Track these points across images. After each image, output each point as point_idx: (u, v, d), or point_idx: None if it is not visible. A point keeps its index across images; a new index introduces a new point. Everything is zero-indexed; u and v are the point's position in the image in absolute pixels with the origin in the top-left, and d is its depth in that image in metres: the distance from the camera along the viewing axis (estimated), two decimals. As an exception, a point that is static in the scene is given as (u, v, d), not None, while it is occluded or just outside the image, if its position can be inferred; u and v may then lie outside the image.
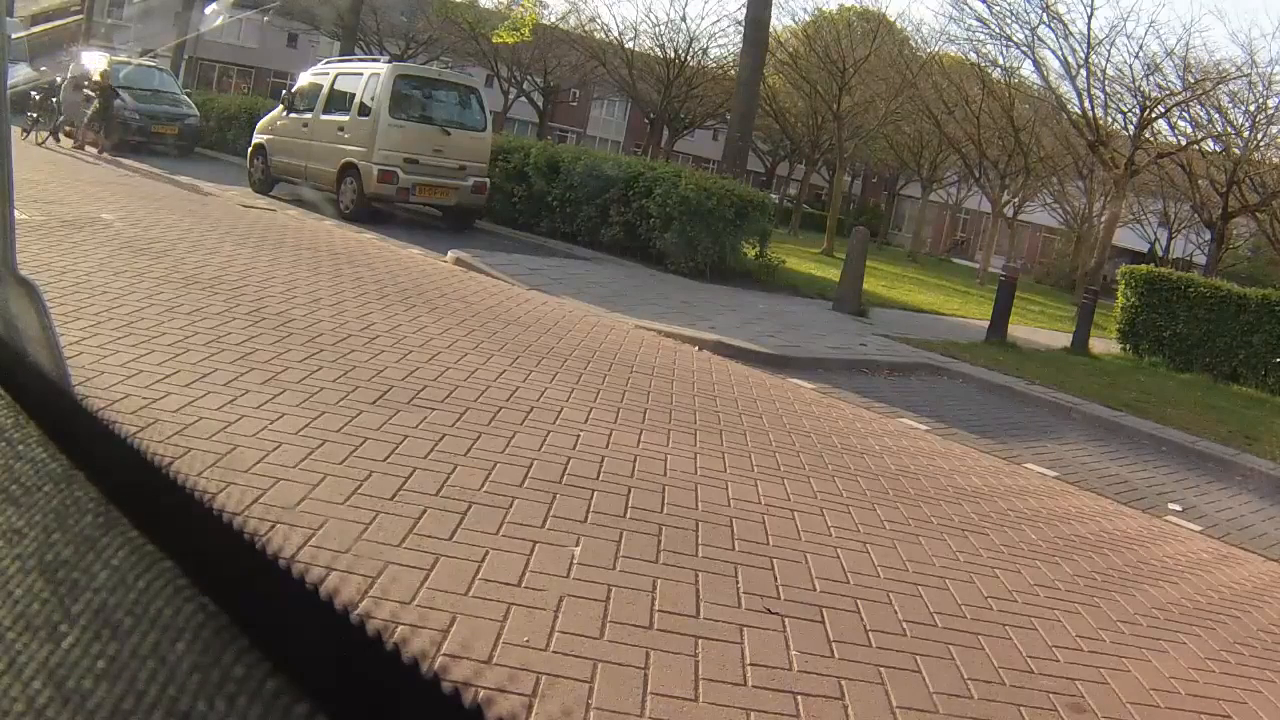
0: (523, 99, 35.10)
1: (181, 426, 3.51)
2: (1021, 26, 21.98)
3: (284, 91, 13.70)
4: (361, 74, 12.14)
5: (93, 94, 14.59)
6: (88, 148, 14.61)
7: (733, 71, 25.44)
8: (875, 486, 4.64)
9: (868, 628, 3.02)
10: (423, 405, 4.41)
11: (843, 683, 2.64)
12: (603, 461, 4.13)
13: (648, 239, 11.63)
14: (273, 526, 2.83)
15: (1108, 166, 20.83)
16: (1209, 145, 21.33)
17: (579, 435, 4.44)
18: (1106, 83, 21.05)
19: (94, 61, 16.52)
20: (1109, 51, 29.34)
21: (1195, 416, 8.29)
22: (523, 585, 2.81)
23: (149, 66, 17.60)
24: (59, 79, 14.25)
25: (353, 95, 11.98)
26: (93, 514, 0.38)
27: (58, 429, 0.45)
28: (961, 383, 8.33)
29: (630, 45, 31.91)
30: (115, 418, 0.43)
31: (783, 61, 26.26)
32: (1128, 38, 45.37)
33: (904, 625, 3.10)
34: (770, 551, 3.50)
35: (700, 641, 2.70)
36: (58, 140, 14.86)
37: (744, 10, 16.18)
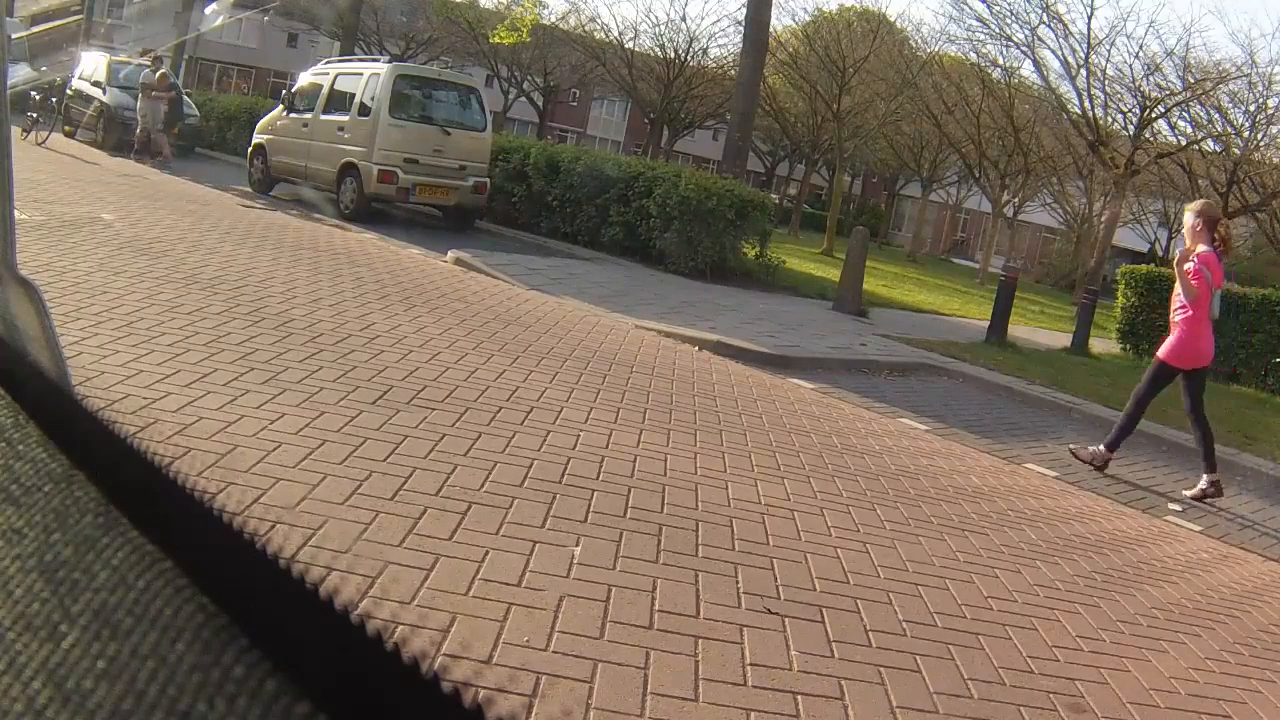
0: (523, 99, 35.14)
1: (181, 426, 3.51)
2: (1021, 26, 22.04)
3: (284, 91, 13.71)
4: (361, 74, 12.14)
5: (163, 98, 14.50)
6: (154, 157, 14.21)
7: (733, 72, 25.47)
8: (875, 486, 4.64)
9: (868, 628, 3.02)
10: (423, 405, 4.41)
11: (843, 683, 2.64)
12: (603, 461, 4.13)
13: (648, 239, 11.62)
14: (273, 526, 2.83)
15: (1108, 166, 20.84)
16: (1209, 145, 21.34)
17: (579, 435, 4.44)
18: (1106, 83, 21.10)
19: (93, 62, 16.51)
20: (1109, 52, 29.38)
21: (1195, 416, 8.27)
22: (523, 585, 2.81)
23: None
24: (57, 77, 14.18)
25: (353, 95, 11.98)
26: (93, 514, 0.38)
27: (58, 429, 0.45)
28: (961, 383, 8.33)
29: (630, 45, 31.96)
30: (115, 418, 0.43)
31: (783, 61, 26.28)
32: (1128, 38, 45.49)
33: (904, 625, 3.10)
34: (770, 551, 3.50)
35: (700, 641, 2.70)
36: (137, 158, 14.34)
37: (744, 10, 16.20)
